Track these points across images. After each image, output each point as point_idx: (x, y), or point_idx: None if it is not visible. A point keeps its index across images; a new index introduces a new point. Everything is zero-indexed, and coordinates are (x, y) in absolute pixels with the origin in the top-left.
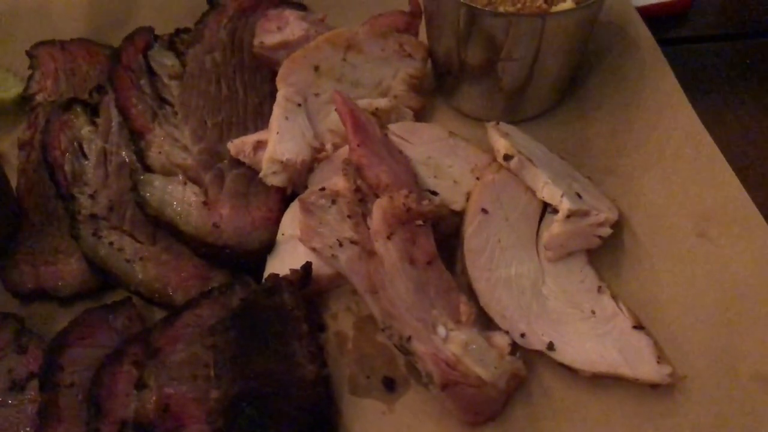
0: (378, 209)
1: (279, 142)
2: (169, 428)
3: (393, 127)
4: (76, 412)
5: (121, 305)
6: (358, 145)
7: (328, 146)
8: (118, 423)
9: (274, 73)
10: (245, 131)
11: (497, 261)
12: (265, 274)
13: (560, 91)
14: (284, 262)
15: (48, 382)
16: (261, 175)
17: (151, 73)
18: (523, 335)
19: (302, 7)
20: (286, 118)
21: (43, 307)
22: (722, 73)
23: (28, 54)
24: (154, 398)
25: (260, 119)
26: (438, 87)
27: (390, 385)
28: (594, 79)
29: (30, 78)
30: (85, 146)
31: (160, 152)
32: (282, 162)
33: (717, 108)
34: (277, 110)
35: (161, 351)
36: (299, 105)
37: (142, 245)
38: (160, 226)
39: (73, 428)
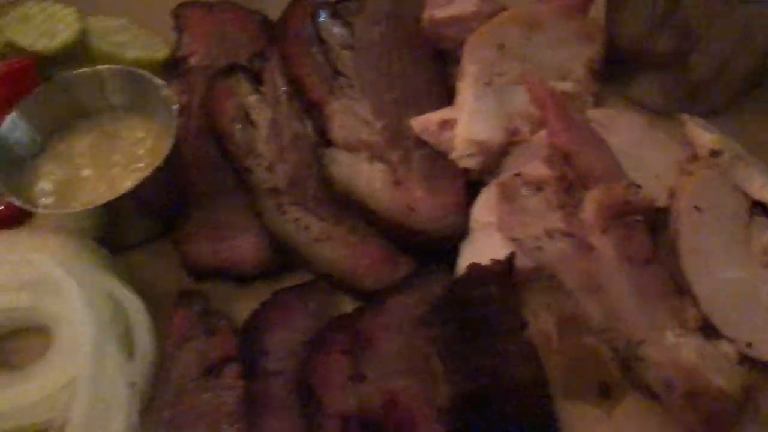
0: (593, 200)
1: (472, 123)
2: (397, 425)
3: (592, 113)
4: (285, 401)
5: (311, 287)
6: (565, 131)
7: (525, 129)
8: (337, 416)
9: (437, 50)
10: (420, 109)
11: (715, 263)
12: (460, 263)
13: (745, 87)
14: (480, 251)
15: (254, 369)
16: (454, 156)
17: (321, 42)
18: (749, 345)
19: None
20: (477, 98)
21: (215, 286)
22: None
23: (174, 14)
24: (376, 392)
25: (432, 97)
26: (609, 73)
27: (605, 390)
28: None
29: (178, 40)
30: (252, 115)
31: (342, 126)
32: (478, 143)
33: None
34: (467, 89)
35: (374, 340)
36: (487, 84)
37: (328, 224)
38: (347, 205)
39: (285, 418)
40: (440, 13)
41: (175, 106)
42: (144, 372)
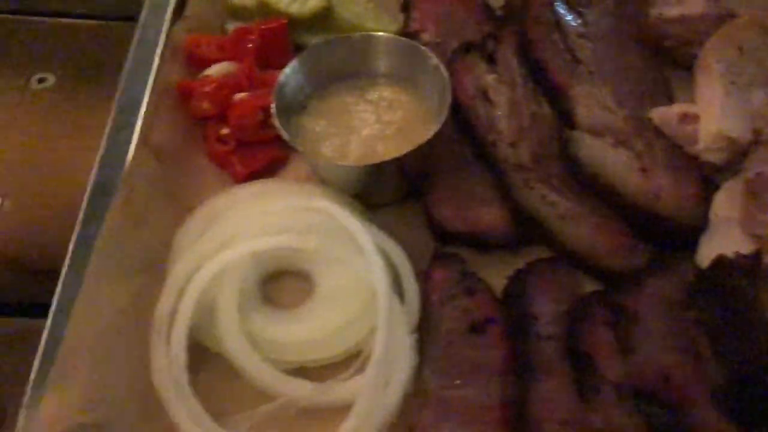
0: None
1: (723, 118)
2: (672, 401)
3: None
4: (558, 365)
5: (558, 263)
6: None
7: (766, 130)
8: (612, 382)
9: (657, 49)
10: (653, 103)
11: None
12: (701, 253)
13: None
14: (719, 244)
15: (526, 332)
16: (699, 148)
17: (559, 28)
18: None
19: None
20: (727, 95)
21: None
22: None
23: None
24: (647, 365)
25: (659, 92)
26: None
27: None
28: None
29: (407, 16)
30: (490, 94)
31: (588, 110)
32: (728, 139)
33: None
34: (714, 85)
35: (639, 317)
36: (732, 83)
37: (572, 204)
38: (592, 187)
39: (559, 380)
40: (670, 11)
41: (447, 79)
42: (414, 321)
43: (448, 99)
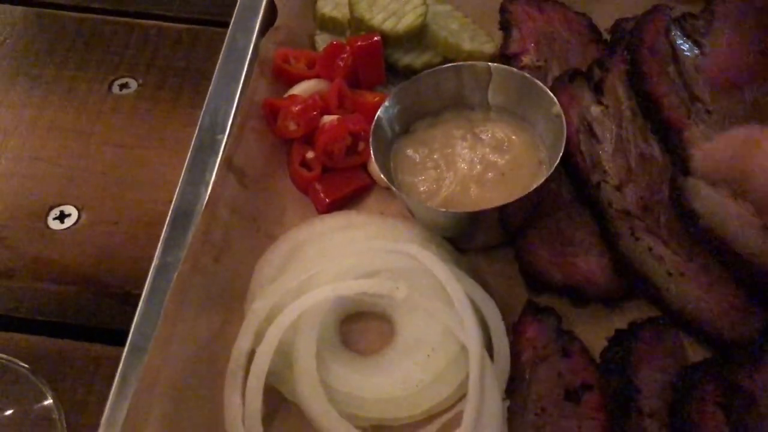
0: None
1: None
2: None
3: None
4: None
5: (664, 324)
6: None
7: None
8: None
9: None
10: None
11: None
12: None
13: None
14: None
15: (626, 406)
16: None
17: (675, 60)
18: None
19: None
20: None
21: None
22: None
23: (502, 9)
24: None
25: None
26: None
27: None
28: None
29: (507, 36)
30: (595, 128)
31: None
32: None
33: None
34: None
35: (755, 398)
36: None
37: (681, 259)
38: (704, 242)
39: None
40: None
41: (563, 123)
42: (503, 383)
43: (561, 150)
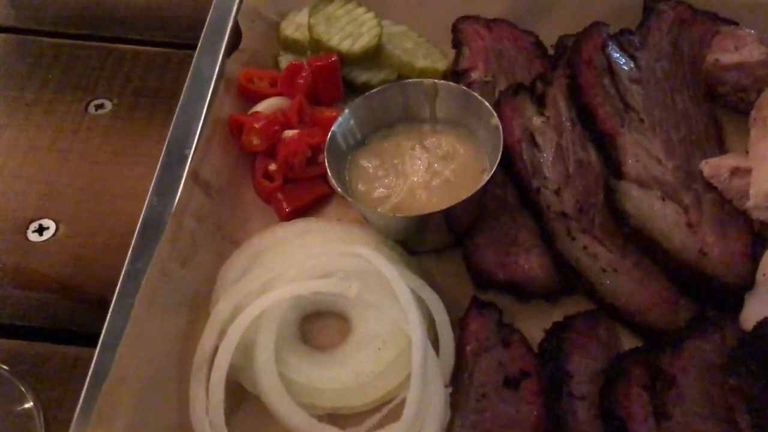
0: None
1: None
2: None
3: None
4: (590, 426)
5: (597, 316)
6: None
7: None
8: None
9: (711, 94)
10: (703, 153)
11: None
12: (745, 314)
13: None
14: (765, 306)
15: (559, 390)
16: (749, 205)
17: (611, 73)
18: None
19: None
20: None
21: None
22: None
23: (454, 28)
24: None
25: (712, 141)
26: None
27: None
28: None
29: (458, 53)
30: (537, 137)
31: (637, 161)
32: None
33: None
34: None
35: (676, 380)
36: None
37: (614, 256)
38: (635, 240)
39: None
40: (727, 58)
41: (500, 134)
42: (448, 372)
43: (498, 158)
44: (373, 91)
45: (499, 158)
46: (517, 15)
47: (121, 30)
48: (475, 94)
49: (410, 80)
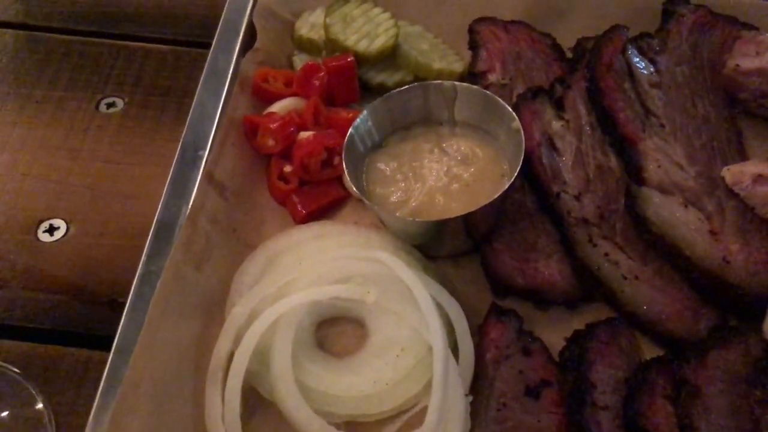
0: None
1: None
2: None
3: None
4: None
5: (619, 324)
6: None
7: None
8: None
9: (732, 99)
10: (724, 158)
11: None
12: None
13: None
14: None
15: (582, 400)
16: None
17: (632, 77)
18: None
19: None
20: None
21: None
22: None
23: (471, 30)
24: None
25: (732, 147)
26: None
27: None
28: None
29: (475, 55)
30: (556, 141)
31: (659, 166)
32: None
33: None
34: None
35: (701, 392)
36: None
37: (635, 263)
38: (657, 247)
39: None
40: (748, 63)
41: (522, 137)
42: (468, 380)
43: (519, 162)
44: (393, 92)
45: (520, 163)
46: (534, 17)
47: (132, 27)
48: (496, 97)
49: (431, 82)
